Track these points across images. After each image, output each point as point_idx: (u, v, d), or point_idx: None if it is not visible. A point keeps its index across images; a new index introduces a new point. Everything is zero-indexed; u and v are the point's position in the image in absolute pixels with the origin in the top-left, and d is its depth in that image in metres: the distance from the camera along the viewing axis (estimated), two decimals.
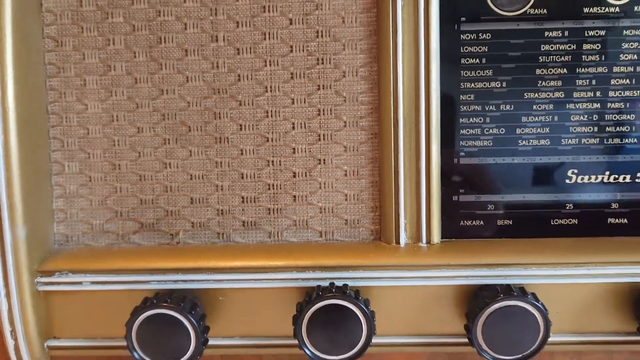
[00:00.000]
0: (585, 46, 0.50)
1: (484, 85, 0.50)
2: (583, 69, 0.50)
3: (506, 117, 0.51)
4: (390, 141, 0.50)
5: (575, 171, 0.51)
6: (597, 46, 0.50)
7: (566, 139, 0.51)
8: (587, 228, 0.52)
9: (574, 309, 0.51)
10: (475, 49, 0.50)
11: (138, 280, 0.51)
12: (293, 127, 0.51)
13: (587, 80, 0.50)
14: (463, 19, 0.49)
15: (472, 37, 0.50)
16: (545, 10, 0.49)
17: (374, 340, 0.49)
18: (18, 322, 0.51)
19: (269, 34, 0.50)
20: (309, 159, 0.52)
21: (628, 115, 0.50)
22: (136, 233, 0.53)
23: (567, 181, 0.51)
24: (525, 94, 0.50)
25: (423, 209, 0.51)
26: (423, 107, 0.49)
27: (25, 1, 0.49)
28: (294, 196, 0.52)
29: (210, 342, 0.51)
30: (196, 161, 0.52)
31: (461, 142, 0.51)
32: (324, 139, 0.51)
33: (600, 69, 0.50)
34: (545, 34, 0.49)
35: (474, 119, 0.51)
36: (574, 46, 0.50)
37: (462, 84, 0.50)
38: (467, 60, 0.50)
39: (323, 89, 0.51)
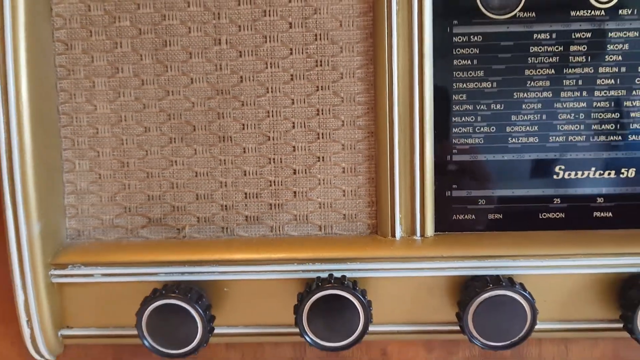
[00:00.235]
0: (572, 48, 0.50)
1: (476, 85, 0.51)
2: (570, 70, 0.50)
3: (497, 116, 0.51)
4: (385, 139, 0.50)
5: (563, 167, 0.52)
6: (584, 48, 0.50)
7: (554, 137, 0.51)
8: (574, 221, 0.52)
9: (560, 298, 0.51)
10: (467, 51, 0.50)
11: (147, 272, 0.51)
12: (293, 126, 0.52)
13: (574, 81, 0.50)
14: (455, 22, 0.50)
15: (464, 40, 0.50)
16: (534, 14, 0.50)
17: (371, 328, 0.49)
18: (34, 312, 0.51)
19: (270, 37, 0.51)
20: (308, 156, 0.52)
21: (613, 114, 0.51)
22: (144, 227, 0.54)
23: (555, 177, 0.52)
24: (514, 94, 0.51)
25: (417, 204, 0.51)
26: (417, 106, 0.50)
27: (36, 6, 0.49)
28: (295, 192, 0.53)
29: (216, 331, 0.52)
30: (201, 159, 0.52)
31: (454, 140, 0.51)
32: (322, 137, 0.52)
33: (586, 70, 0.50)
34: (534, 36, 0.50)
35: (466, 117, 0.51)
36: (562, 48, 0.50)
37: (454, 84, 0.51)
38: (460, 62, 0.50)
39: (322, 89, 0.51)
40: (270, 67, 0.51)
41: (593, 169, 0.52)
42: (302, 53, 0.51)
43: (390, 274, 0.51)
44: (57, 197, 0.53)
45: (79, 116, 0.52)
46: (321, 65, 0.51)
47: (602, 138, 0.51)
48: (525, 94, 0.51)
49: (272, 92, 0.51)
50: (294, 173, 0.52)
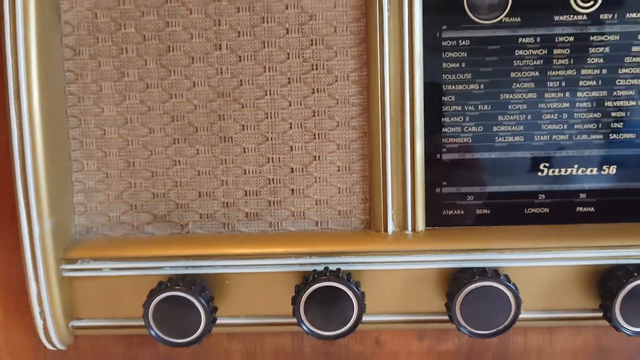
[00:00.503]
0: (556, 51, 0.51)
1: (464, 87, 0.52)
2: (554, 72, 0.51)
3: (484, 116, 0.52)
4: (378, 139, 0.51)
5: (547, 165, 0.53)
6: (567, 51, 0.51)
7: (538, 136, 0.52)
8: (558, 216, 0.53)
9: (544, 289, 0.52)
10: (456, 54, 0.51)
11: (152, 267, 0.52)
12: (290, 127, 0.53)
13: (558, 82, 0.51)
14: (444, 27, 0.51)
15: (453, 44, 0.51)
16: (519, 19, 0.50)
17: (365, 318, 0.51)
18: (46, 304, 0.52)
19: (268, 42, 0.51)
20: (305, 156, 0.53)
21: (595, 114, 0.52)
22: (150, 224, 0.55)
23: (540, 174, 0.53)
24: (501, 95, 0.52)
25: (409, 200, 0.52)
26: (408, 107, 0.51)
27: (46, 14, 0.50)
28: (292, 189, 0.54)
29: (218, 321, 0.53)
30: (203, 159, 0.53)
31: (443, 139, 0.52)
32: (318, 137, 0.53)
33: (569, 72, 0.51)
34: (519, 40, 0.51)
35: (455, 118, 0.52)
36: (546, 51, 0.51)
37: (444, 86, 0.52)
38: (449, 65, 0.51)
39: (317, 92, 0.52)
40: (269, 71, 0.52)
41: (576, 166, 0.53)
42: (299, 57, 0.52)
43: (383, 267, 0.52)
44: (67, 195, 0.54)
45: (87, 118, 0.53)
46: (317, 68, 0.52)
47: (585, 137, 0.52)
48: (511, 95, 0.52)
49: (270, 94, 0.52)
50: (292, 171, 0.53)
